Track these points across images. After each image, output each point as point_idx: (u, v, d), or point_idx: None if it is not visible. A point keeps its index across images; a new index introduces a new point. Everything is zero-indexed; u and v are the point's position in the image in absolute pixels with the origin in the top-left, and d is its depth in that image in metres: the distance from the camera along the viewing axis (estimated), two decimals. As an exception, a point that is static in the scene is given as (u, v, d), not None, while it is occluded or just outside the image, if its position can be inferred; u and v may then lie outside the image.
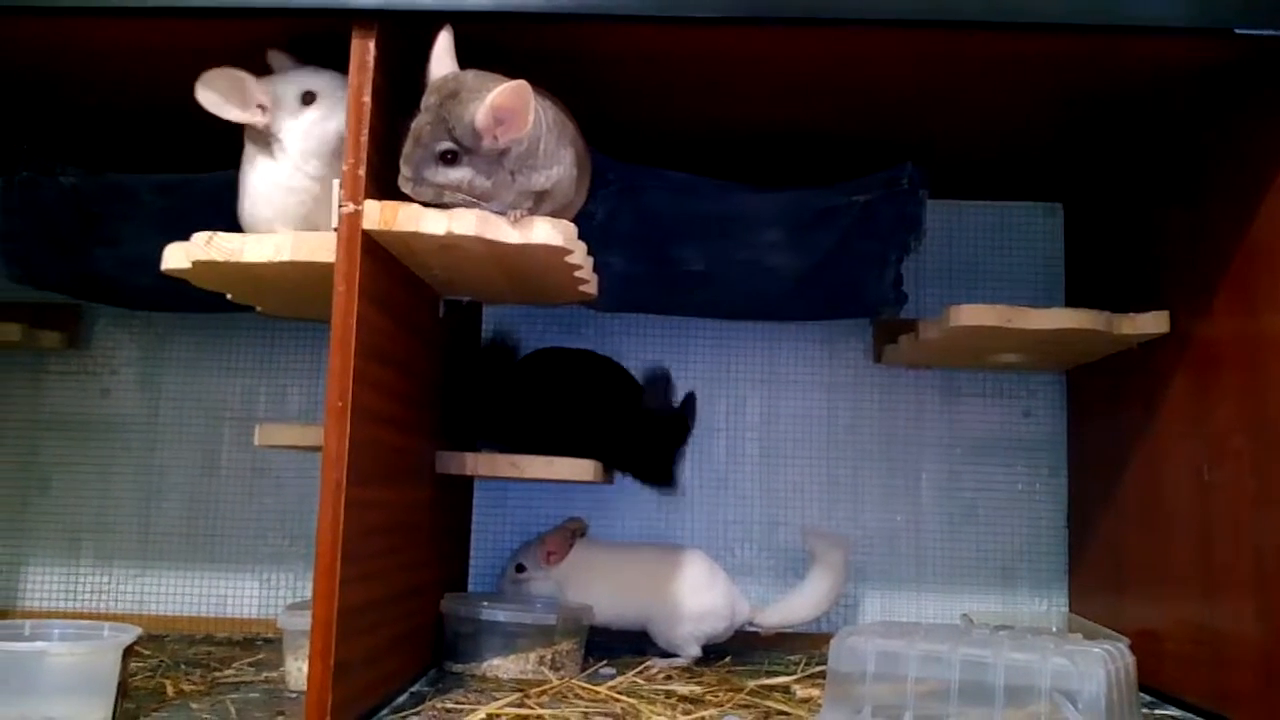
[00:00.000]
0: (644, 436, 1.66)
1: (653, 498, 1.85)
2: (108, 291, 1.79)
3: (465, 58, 1.20)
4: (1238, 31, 1.16)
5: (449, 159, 1.16)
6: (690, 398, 1.72)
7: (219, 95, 1.22)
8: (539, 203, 1.25)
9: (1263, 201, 1.27)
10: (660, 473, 1.69)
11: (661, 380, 1.68)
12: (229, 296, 1.41)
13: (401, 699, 1.32)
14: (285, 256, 1.18)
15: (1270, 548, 1.24)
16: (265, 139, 1.26)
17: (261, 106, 1.25)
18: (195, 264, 1.21)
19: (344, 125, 1.17)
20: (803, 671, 1.54)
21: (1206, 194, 1.42)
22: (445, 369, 1.52)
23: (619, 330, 1.88)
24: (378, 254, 1.19)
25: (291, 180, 1.26)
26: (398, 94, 1.21)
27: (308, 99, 1.25)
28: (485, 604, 1.50)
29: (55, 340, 1.84)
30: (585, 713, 1.27)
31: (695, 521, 1.87)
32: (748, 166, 1.67)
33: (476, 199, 1.18)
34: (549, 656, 1.48)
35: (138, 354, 1.90)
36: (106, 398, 1.89)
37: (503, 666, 1.47)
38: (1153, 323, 1.49)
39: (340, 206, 1.13)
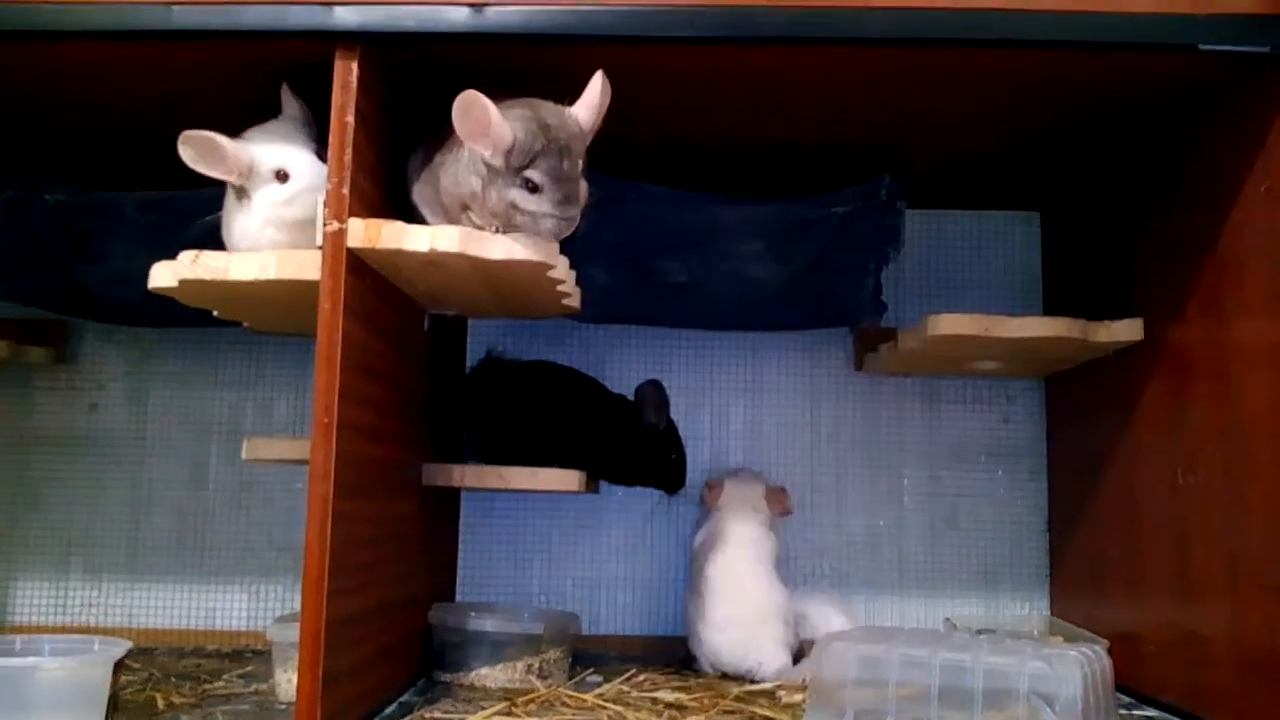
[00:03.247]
0: (654, 452, 1.70)
1: (638, 508, 1.87)
2: (94, 307, 1.80)
3: (446, 80, 1.21)
4: (1202, 48, 1.19)
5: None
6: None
7: (196, 154, 1.23)
8: None
9: (1232, 210, 1.30)
10: (673, 480, 1.72)
11: (656, 394, 1.68)
12: (215, 313, 1.42)
13: (390, 709, 1.33)
14: (271, 275, 1.19)
15: (1244, 550, 1.26)
16: (240, 189, 1.28)
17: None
18: (182, 282, 1.23)
19: (309, 211, 1.21)
20: (787, 677, 1.56)
21: (1179, 204, 1.44)
22: (436, 383, 1.54)
23: (602, 341, 1.90)
24: (362, 271, 1.21)
25: (261, 233, 1.28)
26: (381, 114, 1.23)
27: (282, 177, 1.26)
28: (473, 614, 1.52)
29: (43, 356, 1.85)
30: (571, 721, 1.29)
31: (680, 529, 1.88)
32: (728, 179, 1.69)
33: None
34: (536, 665, 1.49)
35: (125, 369, 1.91)
36: (94, 413, 1.90)
37: (490, 676, 1.48)
38: (1127, 330, 1.51)
39: (324, 225, 1.15)
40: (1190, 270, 1.39)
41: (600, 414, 1.69)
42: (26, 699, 1.09)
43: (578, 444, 1.63)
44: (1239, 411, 1.28)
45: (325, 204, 1.15)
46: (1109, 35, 1.19)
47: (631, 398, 1.69)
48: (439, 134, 1.27)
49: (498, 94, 1.17)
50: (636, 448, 1.68)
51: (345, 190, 1.15)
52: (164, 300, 1.31)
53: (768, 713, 1.35)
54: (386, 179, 1.30)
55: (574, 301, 1.42)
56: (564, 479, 1.53)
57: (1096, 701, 1.14)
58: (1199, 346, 1.38)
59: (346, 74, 1.16)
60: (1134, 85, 1.36)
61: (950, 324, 1.50)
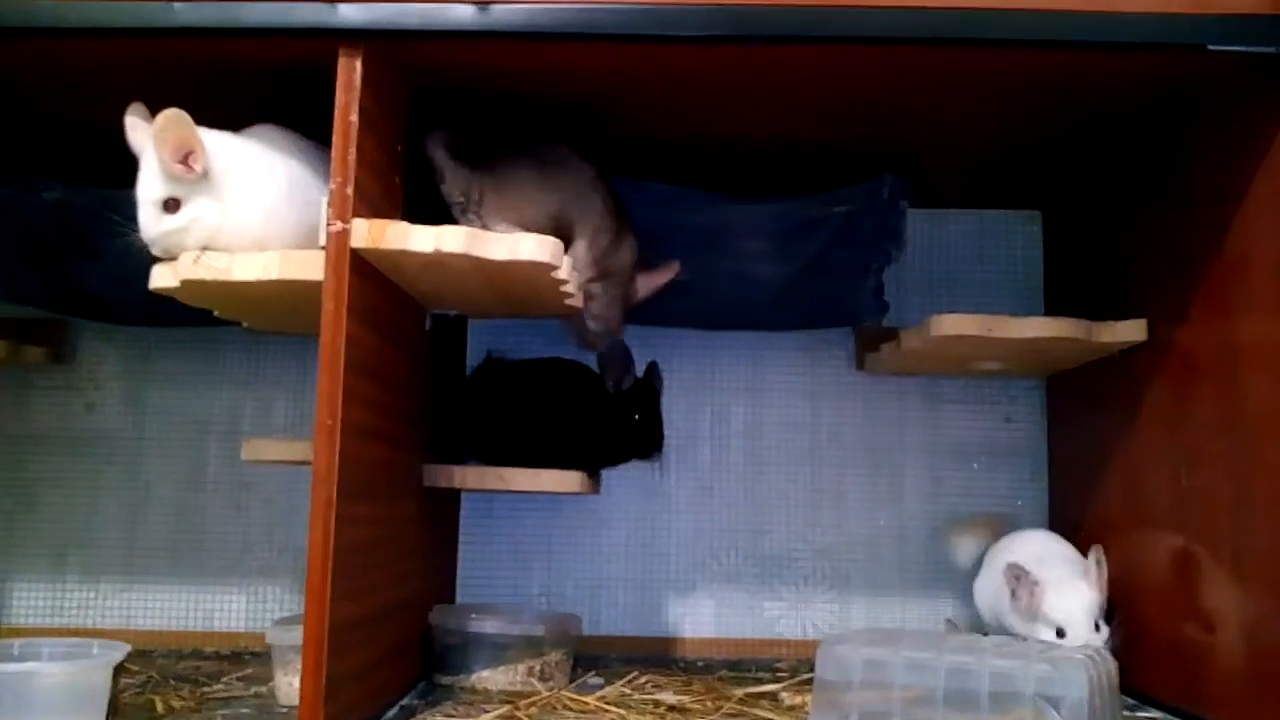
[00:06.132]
0: (617, 415, 1.60)
1: (639, 508, 1.86)
2: (94, 307, 1.78)
3: (449, 79, 1.21)
4: (1210, 48, 1.18)
5: None
6: (652, 366, 1.66)
7: None
8: None
9: (1238, 210, 1.29)
10: (645, 443, 1.62)
11: (618, 352, 1.61)
12: (216, 313, 1.41)
13: (392, 713, 1.32)
14: (273, 275, 1.18)
15: (1248, 551, 1.26)
16: None
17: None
18: (184, 282, 1.21)
19: (205, 236, 1.19)
20: (790, 680, 1.55)
21: (1183, 203, 1.44)
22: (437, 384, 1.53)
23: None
24: (365, 271, 1.20)
25: None
26: (384, 113, 1.22)
27: (170, 206, 1.19)
28: (473, 616, 1.51)
29: (40, 356, 1.83)
30: (575, 724, 1.28)
31: (681, 529, 1.88)
32: (731, 178, 1.68)
33: None
34: (537, 668, 1.48)
35: (122, 369, 1.90)
36: (91, 413, 1.89)
37: (491, 678, 1.47)
38: (1131, 330, 1.51)
39: (328, 225, 1.14)
40: (1195, 270, 1.38)
41: (585, 396, 1.62)
42: (26, 704, 1.09)
43: (563, 431, 1.59)
44: (1243, 412, 1.28)
45: (329, 204, 1.14)
46: (1115, 35, 1.19)
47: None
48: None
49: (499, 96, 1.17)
50: (600, 414, 1.59)
51: (349, 190, 1.14)
52: (164, 299, 1.30)
53: (771, 715, 1.34)
54: (390, 179, 1.29)
55: (577, 301, 1.42)
56: (564, 480, 1.52)
57: (1102, 704, 1.14)
58: (1203, 347, 1.38)
59: (350, 73, 1.15)
60: (1139, 85, 1.35)
61: (954, 324, 1.50)
